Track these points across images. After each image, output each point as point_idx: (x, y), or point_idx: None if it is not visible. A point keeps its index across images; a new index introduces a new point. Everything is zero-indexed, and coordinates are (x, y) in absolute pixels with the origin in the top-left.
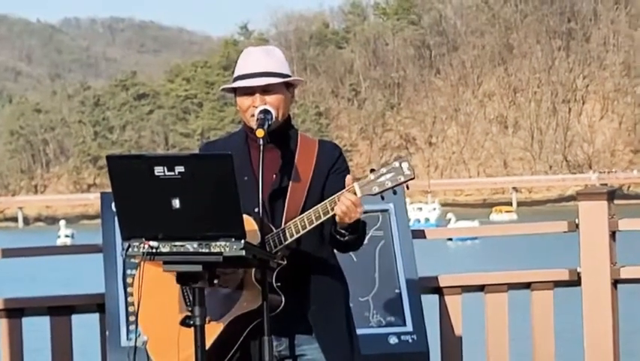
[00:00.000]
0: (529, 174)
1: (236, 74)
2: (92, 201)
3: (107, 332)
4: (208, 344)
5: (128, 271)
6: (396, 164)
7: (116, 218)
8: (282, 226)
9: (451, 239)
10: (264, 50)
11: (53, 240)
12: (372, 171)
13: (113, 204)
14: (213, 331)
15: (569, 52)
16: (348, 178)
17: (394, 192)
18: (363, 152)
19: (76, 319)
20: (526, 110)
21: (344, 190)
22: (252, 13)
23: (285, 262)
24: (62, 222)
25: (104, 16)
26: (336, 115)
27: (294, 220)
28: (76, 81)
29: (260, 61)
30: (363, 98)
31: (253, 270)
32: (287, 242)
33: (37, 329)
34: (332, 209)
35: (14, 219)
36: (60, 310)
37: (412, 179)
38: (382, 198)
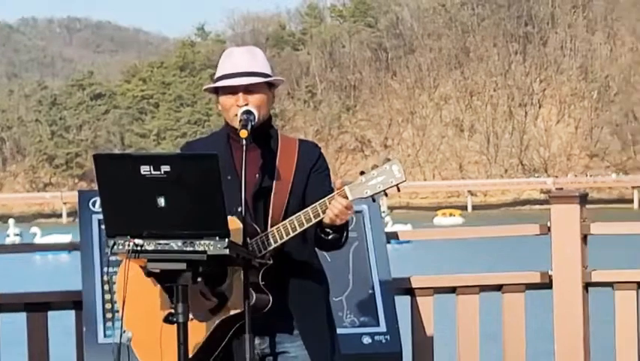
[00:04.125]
0: (484, 177)
1: (218, 74)
2: (48, 200)
3: (84, 329)
4: (196, 343)
5: (106, 269)
6: (387, 167)
7: (92, 216)
8: (268, 225)
9: (389, 242)
10: (247, 50)
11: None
12: (362, 173)
13: (90, 203)
14: (201, 331)
15: (525, 56)
16: (339, 182)
17: (385, 195)
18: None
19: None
20: (482, 113)
21: (334, 193)
22: (208, 14)
23: (272, 261)
24: (11, 221)
25: (61, 16)
26: (291, 117)
27: (283, 223)
28: (33, 81)
29: (242, 61)
30: (319, 100)
31: (242, 272)
32: (277, 244)
33: (12, 321)
34: (323, 212)
35: None
36: (36, 306)
37: (403, 182)
38: (373, 200)
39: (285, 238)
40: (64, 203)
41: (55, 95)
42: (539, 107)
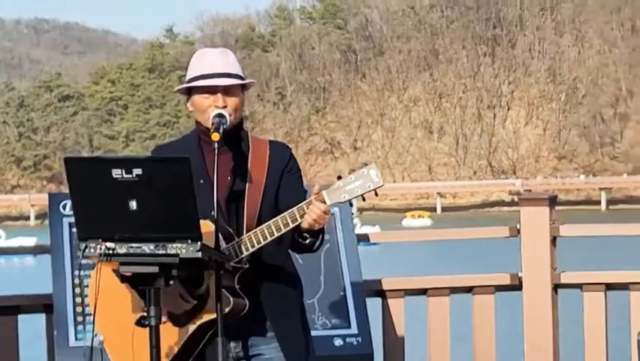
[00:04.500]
0: (453, 179)
1: (194, 74)
2: (16, 202)
3: (55, 332)
4: (172, 348)
5: (77, 272)
6: (365, 171)
7: (63, 219)
8: (243, 228)
9: (359, 244)
10: (221, 52)
11: None
12: (339, 178)
13: (60, 205)
14: (178, 336)
15: (494, 58)
16: (316, 187)
17: (363, 199)
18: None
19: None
20: (451, 115)
21: (311, 198)
22: (177, 15)
23: (247, 265)
24: None
25: (28, 17)
26: (261, 119)
27: (260, 227)
28: (0, 82)
29: (219, 61)
30: (289, 102)
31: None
32: (254, 248)
33: None
34: (301, 216)
35: None
36: (6, 310)
37: (380, 186)
38: (351, 204)
39: (263, 243)
40: (32, 205)
41: (22, 97)
42: (508, 110)
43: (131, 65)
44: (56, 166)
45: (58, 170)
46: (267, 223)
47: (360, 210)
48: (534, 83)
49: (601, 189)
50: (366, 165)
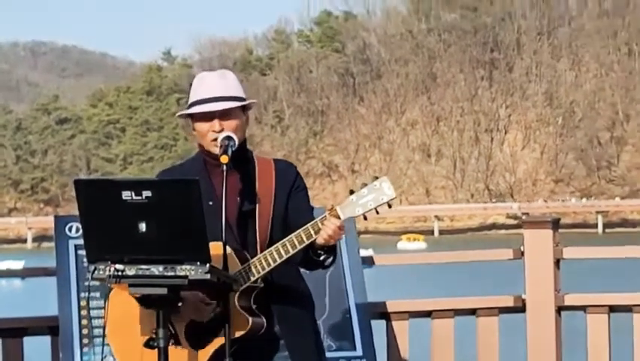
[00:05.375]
0: (451, 202)
1: (192, 100)
2: (13, 225)
3: (61, 355)
4: None
5: (83, 294)
6: (377, 184)
7: (69, 241)
8: (257, 249)
9: None
10: (220, 75)
11: None
12: (351, 192)
13: (66, 228)
14: (201, 358)
15: (492, 82)
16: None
17: (376, 213)
18: None
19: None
20: (448, 138)
21: (325, 214)
22: (175, 38)
23: (262, 285)
24: None
25: (26, 40)
26: (259, 141)
27: (275, 246)
28: None
29: (216, 85)
30: (287, 125)
31: (236, 297)
32: (271, 268)
33: None
34: (315, 233)
35: None
36: (12, 331)
37: (394, 198)
38: (365, 218)
39: (279, 261)
40: (30, 228)
41: (20, 120)
42: (505, 133)
43: (129, 88)
44: (53, 189)
45: (55, 193)
46: (281, 242)
47: (358, 232)
48: (531, 106)
49: (598, 212)
50: (377, 177)
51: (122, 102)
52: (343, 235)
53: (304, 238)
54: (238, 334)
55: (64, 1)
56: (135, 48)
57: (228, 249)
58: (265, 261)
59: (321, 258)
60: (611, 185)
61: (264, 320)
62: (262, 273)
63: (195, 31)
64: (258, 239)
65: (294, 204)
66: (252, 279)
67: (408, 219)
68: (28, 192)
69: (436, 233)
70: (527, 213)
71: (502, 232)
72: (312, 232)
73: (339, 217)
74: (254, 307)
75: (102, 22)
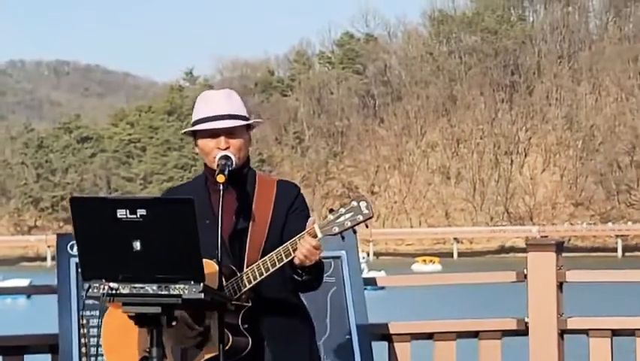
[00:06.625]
0: (470, 225)
1: (198, 117)
2: (33, 243)
3: None
4: None
5: (83, 312)
6: (355, 203)
7: (70, 259)
8: (244, 267)
9: (366, 288)
10: (226, 93)
11: None
12: (331, 211)
13: (68, 246)
14: None
15: (512, 104)
16: (310, 221)
17: (354, 232)
18: (306, 199)
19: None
20: (468, 161)
21: (304, 232)
22: (197, 59)
23: (250, 303)
24: None
25: (49, 59)
26: (279, 162)
27: (256, 263)
28: (19, 123)
29: (223, 103)
30: (307, 145)
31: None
32: (251, 285)
33: None
34: (294, 250)
35: None
36: (13, 350)
37: (370, 218)
38: (343, 238)
39: (259, 278)
40: (49, 246)
41: (41, 138)
42: (525, 156)
43: (150, 108)
44: None
45: None
46: (262, 259)
47: (377, 254)
48: (551, 130)
49: (617, 236)
50: (358, 196)
51: (143, 122)
52: (318, 255)
53: (283, 256)
54: (214, 353)
55: (88, 21)
56: (157, 68)
57: (216, 267)
58: (247, 279)
59: (303, 278)
60: (631, 209)
61: (250, 339)
62: (243, 291)
63: (217, 51)
64: (246, 257)
65: (290, 225)
66: (234, 298)
67: (427, 242)
68: (49, 210)
69: (455, 256)
70: (546, 237)
71: (521, 255)
72: (291, 250)
73: (316, 236)
74: (244, 326)
75: (125, 42)
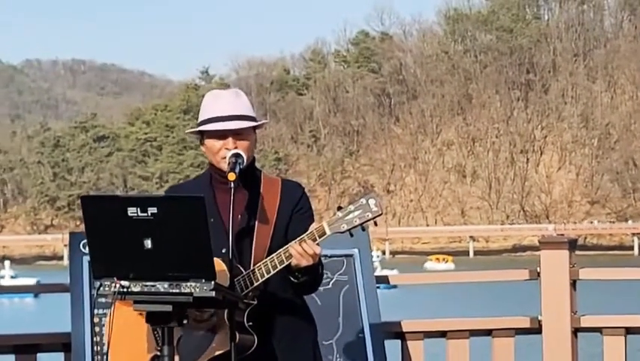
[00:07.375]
0: (486, 223)
1: (206, 116)
2: (50, 242)
3: None
4: None
5: (96, 311)
6: (363, 201)
7: (83, 258)
8: (251, 266)
9: (378, 287)
10: (233, 93)
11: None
12: (339, 208)
13: (81, 244)
14: None
15: (527, 103)
16: (313, 226)
17: (363, 229)
18: (322, 198)
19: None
20: (484, 159)
21: (309, 231)
22: (213, 58)
23: (256, 301)
24: (7, 263)
25: (65, 58)
26: (295, 161)
27: (263, 261)
28: (36, 122)
29: (230, 104)
30: (323, 144)
31: (225, 312)
32: (257, 283)
33: None
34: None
35: None
36: (26, 348)
37: (379, 215)
38: (351, 235)
39: (266, 277)
40: (65, 245)
41: (58, 137)
42: (541, 154)
43: (166, 107)
44: None
45: None
46: (269, 257)
47: (393, 252)
48: (567, 128)
49: (634, 234)
50: (367, 193)
51: (159, 120)
52: (315, 258)
53: (284, 259)
54: (220, 350)
55: (103, 20)
56: (173, 67)
57: (224, 265)
58: (254, 277)
59: (301, 279)
60: None
61: (255, 337)
62: (249, 288)
63: (233, 50)
64: (252, 257)
65: (294, 226)
66: (241, 295)
67: (443, 240)
68: (65, 209)
69: (471, 254)
70: (563, 235)
71: (537, 253)
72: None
73: (324, 234)
74: (248, 324)
75: (141, 41)
